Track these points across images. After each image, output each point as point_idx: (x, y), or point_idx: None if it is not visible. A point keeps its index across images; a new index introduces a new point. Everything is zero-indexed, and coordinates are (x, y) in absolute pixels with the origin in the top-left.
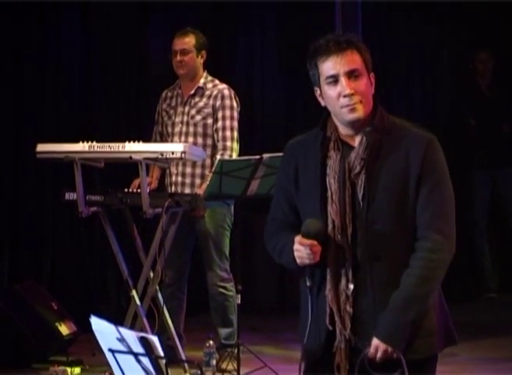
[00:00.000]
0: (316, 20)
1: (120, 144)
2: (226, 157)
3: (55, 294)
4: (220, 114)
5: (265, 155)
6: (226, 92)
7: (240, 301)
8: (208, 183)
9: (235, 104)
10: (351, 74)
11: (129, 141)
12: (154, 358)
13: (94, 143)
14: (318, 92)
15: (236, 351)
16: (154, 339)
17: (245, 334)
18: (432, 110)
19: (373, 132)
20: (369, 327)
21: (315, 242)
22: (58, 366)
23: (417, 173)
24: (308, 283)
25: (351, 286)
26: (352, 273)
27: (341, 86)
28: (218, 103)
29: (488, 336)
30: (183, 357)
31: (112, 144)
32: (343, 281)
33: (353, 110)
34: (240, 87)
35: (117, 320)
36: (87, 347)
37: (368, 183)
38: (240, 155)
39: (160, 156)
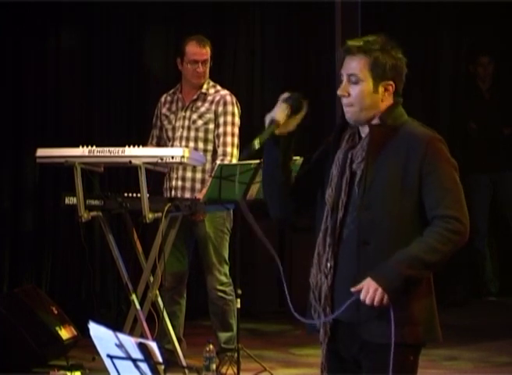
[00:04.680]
0: (316, 20)
1: (120, 149)
2: (226, 162)
3: (55, 299)
4: (222, 120)
5: None
6: (228, 98)
7: (239, 306)
8: (207, 187)
9: (236, 110)
10: (350, 78)
11: (129, 146)
12: (152, 364)
13: (94, 147)
14: None
15: (236, 355)
16: (153, 345)
17: (245, 338)
18: (432, 113)
19: (378, 127)
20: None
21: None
22: (58, 371)
23: (418, 171)
24: None
25: (328, 264)
26: (333, 253)
27: (340, 85)
28: (220, 109)
29: (489, 339)
30: (183, 361)
31: (111, 149)
32: (324, 260)
33: (346, 112)
34: (240, 91)
35: (117, 324)
36: (87, 351)
37: (366, 172)
38: (239, 160)
39: (160, 161)
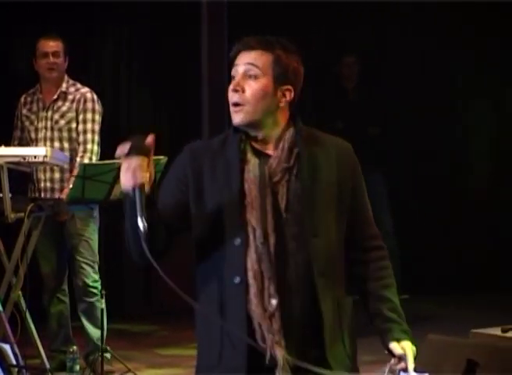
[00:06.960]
0: (182, 20)
1: None
2: (86, 160)
3: None
4: (81, 117)
5: None
6: (89, 95)
7: (104, 306)
8: (70, 187)
9: (97, 107)
10: (248, 71)
11: None
12: (5, 367)
13: None
14: None
15: (100, 356)
16: (6, 347)
17: (111, 339)
18: (298, 112)
19: (298, 140)
20: (295, 343)
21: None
22: None
23: (350, 185)
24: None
25: (274, 301)
26: (274, 288)
27: (233, 80)
28: (81, 107)
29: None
30: (46, 363)
31: None
32: (266, 297)
33: (235, 112)
34: (106, 92)
35: None
36: None
37: (303, 192)
38: (103, 160)
39: (22, 160)
